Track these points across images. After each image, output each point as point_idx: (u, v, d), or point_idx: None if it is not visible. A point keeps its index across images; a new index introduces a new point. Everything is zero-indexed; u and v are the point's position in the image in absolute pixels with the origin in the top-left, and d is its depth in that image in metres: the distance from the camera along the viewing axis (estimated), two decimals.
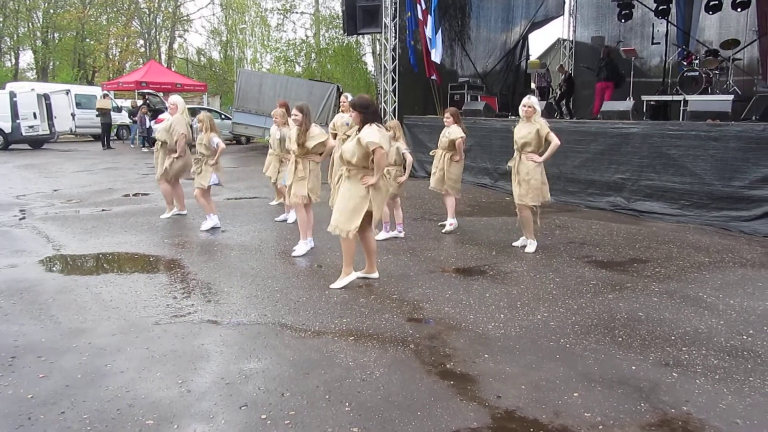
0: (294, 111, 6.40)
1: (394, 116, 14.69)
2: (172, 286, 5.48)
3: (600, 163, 10.00)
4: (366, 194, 5.24)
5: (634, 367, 3.83)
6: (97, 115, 22.35)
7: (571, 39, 18.63)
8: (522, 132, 6.69)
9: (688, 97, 11.33)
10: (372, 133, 5.15)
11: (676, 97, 12.02)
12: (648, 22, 15.88)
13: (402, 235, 7.46)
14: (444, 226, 7.91)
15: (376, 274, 5.70)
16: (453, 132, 7.68)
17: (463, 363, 3.88)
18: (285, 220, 8.31)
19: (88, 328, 4.44)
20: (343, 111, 8.51)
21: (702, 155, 8.64)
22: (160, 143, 8.52)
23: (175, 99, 8.69)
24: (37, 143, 21.95)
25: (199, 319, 4.64)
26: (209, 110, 25.87)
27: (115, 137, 22.87)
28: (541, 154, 6.68)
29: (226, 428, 3.08)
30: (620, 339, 4.30)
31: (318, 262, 6.29)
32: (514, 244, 7.02)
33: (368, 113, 5.26)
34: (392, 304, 5.00)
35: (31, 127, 21.19)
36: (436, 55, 13.61)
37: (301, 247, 6.60)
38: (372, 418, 3.17)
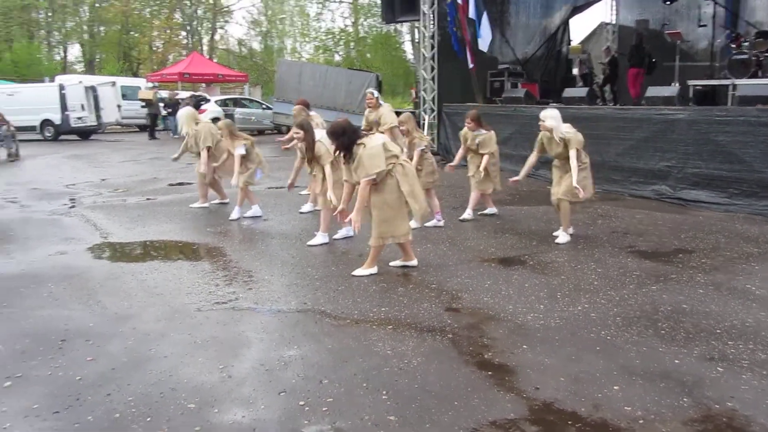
0: (294, 129, 6.43)
1: (434, 104, 14.63)
2: (214, 274, 5.59)
3: (644, 151, 9.76)
4: (399, 195, 5.29)
5: (677, 361, 3.76)
6: (143, 106, 22.81)
7: (614, 22, 18.21)
8: (557, 151, 6.59)
9: (737, 82, 10.97)
10: (365, 161, 5.17)
11: (724, 82, 11.65)
12: (694, 4, 15.43)
13: (441, 223, 7.44)
14: (466, 219, 7.86)
15: (414, 261, 5.71)
16: (483, 143, 7.61)
17: (501, 354, 3.86)
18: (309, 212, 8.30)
19: (134, 313, 4.57)
20: (368, 107, 8.47)
21: (752, 141, 8.35)
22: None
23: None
24: (85, 134, 22.57)
25: (241, 306, 4.72)
26: (250, 100, 26.14)
27: (162, 128, 23.28)
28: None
29: (266, 414, 3.13)
30: (663, 332, 4.22)
31: (359, 251, 6.31)
32: (555, 233, 6.92)
33: (343, 139, 5.26)
34: (431, 294, 5.00)
35: (79, 118, 21.79)
36: (482, 44, 13.45)
37: (318, 239, 6.58)
38: (409, 407, 3.19)
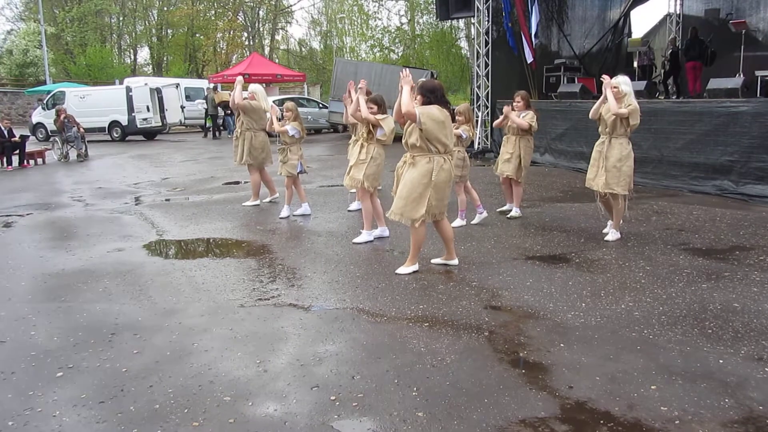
0: (369, 104, 6.44)
1: (488, 101, 14.50)
2: (259, 271, 5.72)
3: (705, 145, 9.42)
4: (429, 182, 5.18)
5: (721, 361, 3.63)
6: (224, 110, 23.02)
7: (678, 13, 17.59)
8: (611, 115, 6.26)
9: None
10: (425, 108, 5.15)
11: None
12: None
13: (485, 214, 7.38)
14: (509, 213, 7.79)
15: (455, 261, 5.67)
16: (531, 116, 7.52)
17: (536, 352, 3.82)
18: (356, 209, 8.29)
19: (180, 308, 4.73)
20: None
21: None
22: (239, 131, 8.77)
23: (255, 88, 9.00)
24: (150, 134, 23.42)
25: (282, 302, 4.82)
26: (308, 99, 26.53)
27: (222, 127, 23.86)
28: (629, 138, 6.34)
29: (297, 408, 3.20)
30: (710, 331, 4.08)
31: (400, 249, 6.34)
32: (604, 231, 6.74)
33: (431, 96, 5.21)
34: (471, 291, 4.98)
35: (144, 119, 22.63)
36: (532, 36, 13.27)
37: (363, 236, 6.61)
38: (438, 404, 3.20)
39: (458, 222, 7.25)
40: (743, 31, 12.99)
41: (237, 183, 11.38)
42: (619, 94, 6.28)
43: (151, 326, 4.38)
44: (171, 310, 4.71)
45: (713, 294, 4.79)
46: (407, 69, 5.46)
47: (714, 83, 10.32)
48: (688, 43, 14.28)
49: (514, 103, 7.68)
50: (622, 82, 6.38)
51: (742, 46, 12.83)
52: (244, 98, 8.65)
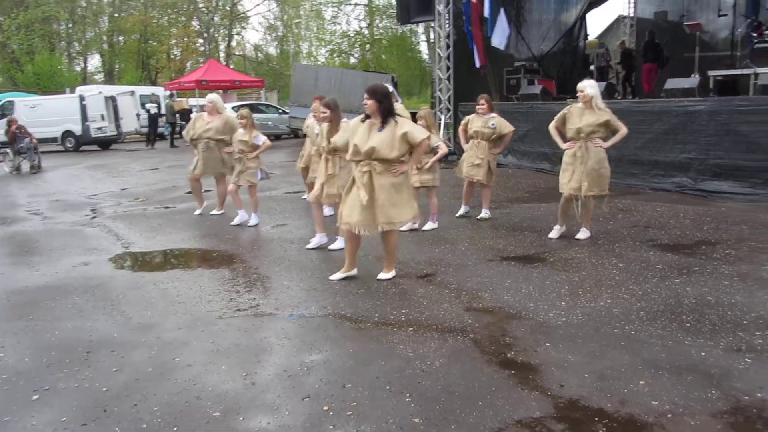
0: (321, 108, 6.29)
1: (450, 104, 14.60)
2: (234, 281, 5.62)
3: (664, 143, 9.66)
4: (406, 181, 5.21)
5: (703, 353, 3.70)
6: (180, 117, 22.54)
7: (632, 15, 18.03)
8: (588, 119, 6.29)
9: (759, 70, 10.78)
10: (416, 128, 5.17)
11: (745, 71, 11.46)
12: None
13: (436, 225, 7.33)
14: (484, 218, 7.80)
15: (392, 274, 5.45)
16: (502, 125, 7.55)
17: (524, 352, 3.84)
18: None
19: (156, 322, 4.61)
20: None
21: None
22: (212, 142, 8.48)
23: (213, 97, 8.74)
24: (105, 144, 22.85)
25: (261, 312, 4.74)
26: (266, 105, 26.32)
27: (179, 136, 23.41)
28: (604, 141, 6.41)
29: (290, 420, 3.14)
30: (688, 324, 4.16)
31: (375, 253, 6.31)
32: (549, 236, 6.73)
33: (387, 101, 5.13)
34: (450, 294, 4.98)
35: (99, 128, 22.08)
36: (497, 42, 13.36)
37: (338, 243, 6.42)
38: (433, 409, 3.18)
39: (430, 225, 7.26)
40: (697, 33, 13.38)
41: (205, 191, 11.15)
42: (585, 98, 6.33)
43: (128, 342, 4.25)
44: (147, 324, 4.58)
45: (687, 288, 4.90)
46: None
47: (671, 83, 10.60)
48: (645, 46, 14.68)
49: (478, 107, 7.71)
50: (588, 85, 6.41)
51: (697, 47, 13.22)
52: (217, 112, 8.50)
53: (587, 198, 6.48)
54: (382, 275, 5.42)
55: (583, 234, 6.63)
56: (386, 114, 5.10)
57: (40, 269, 6.25)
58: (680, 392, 3.25)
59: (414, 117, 7.66)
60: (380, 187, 5.11)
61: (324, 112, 6.21)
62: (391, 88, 8.40)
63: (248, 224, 7.92)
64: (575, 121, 6.42)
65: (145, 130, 25.66)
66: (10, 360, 4.04)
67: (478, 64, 13.97)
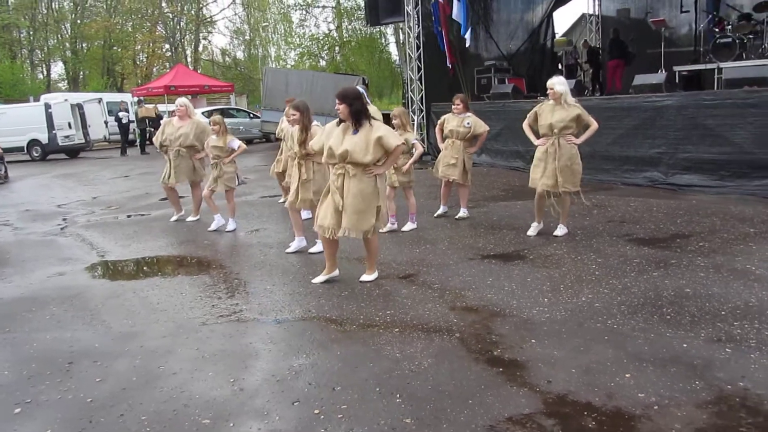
0: (291, 111, 6.22)
1: (422, 104, 14.65)
2: (215, 287, 5.57)
3: (634, 139, 9.82)
4: (375, 189, 5.13)
5: (685, 345, 3.78)
6: (149, 123, 22.23)
7: (596, 14, 18.30)
8: (559, 115, 6.34)
9: (723, 65, 11.06)
10: (392, 133, 5.16)
11: (709, 66, 11.73)
12: None
13: (415, 225, 7.34)
14: (459, 215, 7.84)
15: (374, 275, 5.46)
16: (477, 124, 7.60)
17: (510, 349, 3.87)
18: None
19: (139, 331, 4.54)
20: None
21: (740, 123, 8.43)
22: (183, 149, 8.38)
23: (184, 101, 8.63)
24: (73, 152, 22.47)
25: (245, 317, 4.70)
26: (237, 110, 26.12)
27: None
28: (576, 137, 6.48)
29: (281, 424, 3.12)
30: (669, 317, 4.24)
31: (357, 255, 6.31)
32: (528, 233, 6.77)
33: (360, 105, 5.08)
34: (434, 294, 5.00)
35: (66, 137, 21.71)
36: (468, 39, 13.55)
37: (318, 246, 6.36)
38: (424, 408, 3.19)
39: (410, 225, 7.29)
40: (662, 29, 13.63)
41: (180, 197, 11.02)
42: (555, 95, 6.39)
43: (111, 352, 4.18)
44: (129, 333, 4.51)
45: (665, 281, 4.99)
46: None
47: (639, 79, 10.78)
48: (610, 43, 14.96)
49: (453, 107, 7.75)
50: (557, 82, 6.44)
51: (663, 43, 13.47)
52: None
53: (562, 194, 6.55)
54: (364, 277, 5.42)
55: (560, 230, 6.71)
56: (359, 117, 5.07)
57: (14, 281, 6.12)
58: (665, 384, 3.31)
59: (387, 118, 7.70)
60: (348, 192, 5.10)
61: (294, 114, 6.16)
62: (362, 90, 8.42)
63: (226, 229, 7.85)
64: (546, 117, 6.47)
65: (116, 137, 25.30)
66: None
67: (449, 64, 14.09)
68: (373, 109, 8.45)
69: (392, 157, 5.22)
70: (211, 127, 7.91)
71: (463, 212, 7.83)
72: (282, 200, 9.58)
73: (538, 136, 6.64)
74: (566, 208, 6.71)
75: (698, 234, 6.43)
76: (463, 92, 14.43)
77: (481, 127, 7.65)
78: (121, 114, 22.28)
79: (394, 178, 7.18)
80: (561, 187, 6.46)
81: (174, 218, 8.75)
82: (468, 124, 7.57)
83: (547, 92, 6.50)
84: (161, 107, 24.18)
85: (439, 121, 8.03)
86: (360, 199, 5.09)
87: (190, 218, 8.68)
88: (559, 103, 6.40)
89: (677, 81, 12.15)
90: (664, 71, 11.81)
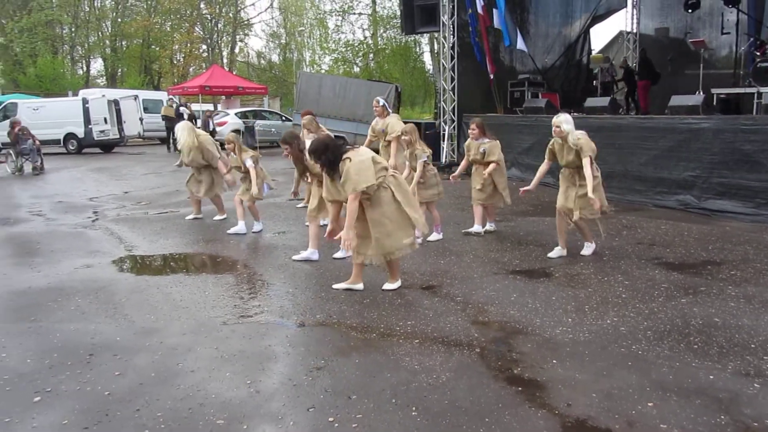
0: (282, 144, 6.15)
1: (454, 115, 14.61)
2: (238, 287, 5.59)
3: (668, 161, 9.65)
4: (397, 206, 5.07)
5: (711, 377, 3.67)
6: (162, 118, 22.99)
7: (634, 31, 18.09)
8: (568, 156, 6.30)
9: (762, 90, 10.81)
10: (350, 178, 4.93)
11: (749, 90, 11.48)
12: (717, 11, 15.26)
13: (440, 236, 7.32)
14: (489, 231, 7.73)
15: (360, 285, 5.41)
16: (489, 151, 7.37)
17: (530, 368, 3.81)
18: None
19: (160, 327, 4.58)
20: (377, 116, 8.40)
21: None
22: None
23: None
24: (107, 147, 22.85)
25: (266, 319, 4.71)
26: (270, 112, 26.34)
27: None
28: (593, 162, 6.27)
29: (295, 430, 3.11)
30: (696, 346, 4.13)
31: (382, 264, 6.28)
32: (549, 255, 6.58)
33: (332, 155, 5.04)
34: (456, 307, 4.95)
35: (102, 131, 22.08)
36: (521, 44, 13.54)
37: (342, 252, 6.39)
38: (439, 424, 3.14)
39: (435, 236, 7.25)
40: (702, 50, 13.42)
41: None
42: (561, 134, 6.28)
43: (131, 346, 4.22)
44: (150, 328, 4.55)
45: (693, 309, 4.87)
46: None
47: (675, 100, 10.60)
48: (639, 63, 14.84)
49: (469, 131, 7.64)
50: (564, 121, 6.31)
51: (701, 65, 13.25)
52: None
53: (583, 218, 6.41)
54: (387, 285, 5.39)
55: (586, 249, 6.61)
56: (332, 166, 5.06)
57: (42, 270, 6.22)
58: (689, 416, 3.22)
59: (417, 126, 7.69)
60: (371, 221, 5.11)
61: (285, 148, 6.09)
62: (381, 102, 8.41)
63: (252, 231, 7.88)
64: (560, 156, 6.46)
65: (148, 134, 25.71)
66: (12, 361, 4.01)
67: (491, 73, 14.08)
68: (394, 116, 8.42)
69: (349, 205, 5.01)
70: (226, 145, 7.95)
71: (489, 225, 7.76)
72: (301, 205, 9.61)
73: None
74: (586, 229, 6.57)
75: (730, 262, 6.28)
76: (496, 105, 14.45)
77: (493, 155, 7.39)
78: (181, 109, 22.66)
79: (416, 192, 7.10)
80: (581, 214, 6.31)
81: (190, 216, 8.86)
82: (483, 150, 7.43)
83: (553, 130, 6.39)
84: (194, 107, 24.49)
85: (465, 144, 7.94)
86: (387, 222, 5.08)
87: (216, 217, 8.75)
88: (565, 141, 6.30)
89: (715, 104, 11.91)
90: (702, 93, 11.60)
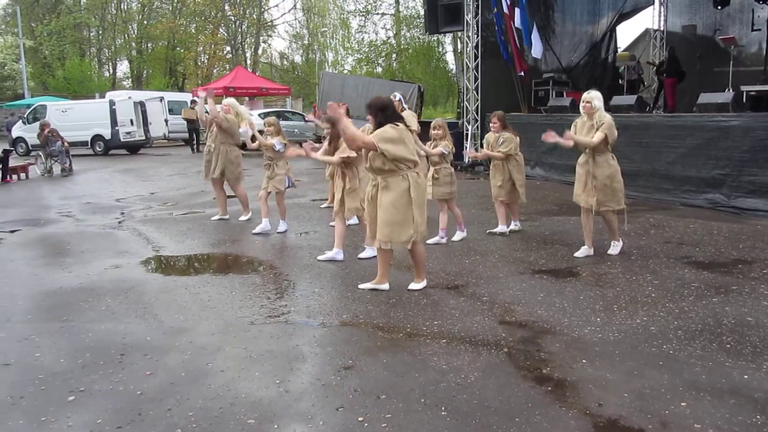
0: (324, 124, 6.08)
1: (477, 114, 14.55)
2: (265, 287, 5.63)
3: (697, 159, 9.52)
4: (408, 199, 5.03)
5: (746, 376, 3.61)
6: (190, 120, 23.12)
7: (662, 29, 17.84)
8: (587, 132, 6.18)
9: None
10: (379, 132, 4.96)
11: None
12: (747, 8, 15.01)
13: (465, 234, 7.25)
14: (514, 230, 7.66)
15: (386, 285, 5.37)
16: (506, 144, 7.29)
17: (560, 368, 3.78)
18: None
19: (189, 327, 4.62)
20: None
21: None
22: (213, 146, 8.62)
23: (230, 101, 8.93)
24: (133, 148, 23.13)
25: (293, 319, 4.73)
26: (293, 113, 26.49)
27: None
28: (604, 154, 6.20)
29: (325, 429, 3.12)
30: (729, 346, 4.07)
31: (408, 263, 6.28)
32: (576, 254, 6.49)
33: (382, 115, 5.03)
34: (483, 307, 4.93)
35: (128, 133, 22.37)
36: (536, 51, 13.45)
37: (368, 252, 6.44)
38: (469, 424, 3.13)
39: (459, 234, 7.22)
40: (732, 47, 13.20)
41: (230, 197, 11.22)
42: (591, 110, 6.17)
43: (161, 346, 4.27)
44: (179, 328, 4.60)
45: (725, 308, 4.79)
46: (335, 104, 5.22)
47: (704, 98, 10.44)
48: (667, 61, 14.63)
49: (491, 124, 7.55)
50: (595, 97, 6.22)
51: (731, 62, 13.03)
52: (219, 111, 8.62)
53: (605, 213, 6.33)
54: (413, 285, 5.39)
55: (613, 249, 6.54)
56: (381, 126, 5.03)
57: (73, 271, 6.32)
58: (723, 416, 3.17)
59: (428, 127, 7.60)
60: (380, 205, 5.12)
61: (327, 128, 6.07)
62: (398, 97, 8.35)
63: (277, 230, 7.92)
64: (578, 133, 6.31)
65: (173, 135, 25.93)
66: (46, 360, 4.08)
67: (521, 73, 13.99)
68: (407, 114, 8.37)
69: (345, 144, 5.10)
70: (266, 128, 7.99)
71: (514, 225, 7.71)
72: (324, 205, 9.64)
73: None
74: (614, 226, 6.48)
75: (762, 261, 6.17)
76: (520, 104, 14.35)
77: (508, 145, 7.30)
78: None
79: (429, 190, 6.94)
80: (603, 206, 6.25)
81: (215, 217, 8.92)
82: (501, 141, 7.35)
83: (582, 105, 6.26)
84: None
85: (485, 138, 7.89)
86: (393, 211, 5.05)
87: (241, 217, 8.82)
88: (591, 119, 6.19)
89: (744, 101, 11.70)
90: (731, 90, 11.41)
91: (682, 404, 3.29)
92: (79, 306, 5.18)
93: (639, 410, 3.24)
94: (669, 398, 3.36)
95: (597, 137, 6.08)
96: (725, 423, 3.10)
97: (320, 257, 6.50)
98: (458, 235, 7.24)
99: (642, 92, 15.16)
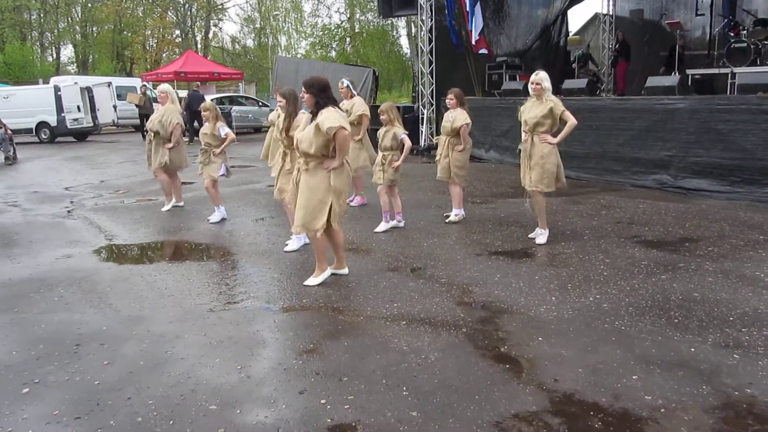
0: (278, 97, 5.85)
1: (432, 98, 14.62)
2: (223, 274, 5.58)
3: (645, 141, 9.78)
4: (328, 186, 4.86)
5: (693, 349, 3.77)
6: (137, 105, 22.53)
7: (611, 14, 18.17)
8: (534, 111, 6.16)
9: (736, 70, 10.99)
10: (330, 117, 4.73)
11: (723, 70, 11.66)
12: None
13: (402, 224, 7.13)
14: (449, 216, 7.46)
15: (345, 270, 5.35)
16: (457, 118, 7.08)
17: (517, 346, 3.87)
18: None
19: (146, 315, 4.56)
20: (343, 97, 8.28)
21: (753, 129, 8.38)
22: (153, 134, 8.42)
23: (164, 87, 8.60)
24: (81, 135, 22.47)
25: (253, 305, 4.72)
26: (246, 98, 26.11)
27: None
28: (555, 135, 6.21)
29: (288, 413, 3.14)
30: (677, 320, 4.23)
31: (366, 246, 6.31)
32: (530, 236, 6.57)
33: (323, 96, 4.81)
34: (441, 288, 5.00)
35: (75, 119, 21.69)
36: (476, 31, 13.52)
37: (294, 243, 6.30)
38: (430, 402, 3.19)
39: (383, 226, 7.02)
40: (677, 31, 13.55)
41: (183, 183, 11.03)
42: (540, 91, 6.15)
43: (118, 335, 4.20)
44: (136, 317, 4.53)
45: (673, 285, 4.98)
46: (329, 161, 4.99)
47: (652, 81, 10.71)
48: (618, 46, 14.97)
49: (447, 100, 7.37)
50: (544, 78, 6.19)
51: (677, 45, 13.39)
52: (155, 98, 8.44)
53: (534, 194, 6.33)
54: (308, 281, 5.16)
55: (540, 237, 6.41)
56: (318, 108, 4.82)
57: (22, 261, 6.14)
58: (672, 387, 3.31)
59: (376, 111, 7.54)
60: (300, 188, 4.97)
61: (280, 101, 5.80)
62: (346, 83, 8.32)
63: (209, 220, 7.72)
64: (524, 114, 6.32)
65: (122, 122, 25.30)
66: None
67: (483, 50, 13.99)
68: (357, 100, 8.37)
69: (341, 145, 4.80)
70: (203, 113, 7.80)
71: (453, 214, 7.42)
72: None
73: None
74: (542, 210, 6.42)
75: (707, 239, 6.40)
76: (475, 88, 14.45)
77: (459, 120, 7.04)
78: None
79: (380, 174, 6.98)
80: (532, 186, 6.27)
81: (165, 207, 8.63)
82: (451, 117, 7.17)
83: (531, 84, 6.26)
84: (182, 93, 24.09)
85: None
86: (309, 195, 4.88)
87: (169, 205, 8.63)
88: (540, 100, 6.19)
89: (690, 84, 12.07)
90: (677, 74, 11.74)
91: (634, 377, 3.42)
92: (30, 297, 5.04)
93: (593, 384, 3.35)
94: (621, 372, 3.49)
95: (570, 117, 6.08)
96: (674, 394, 3.24)
97: (286, 249, 6.31)
98: (388, 225, 7.04)
99: (592, 76, 15.41)
